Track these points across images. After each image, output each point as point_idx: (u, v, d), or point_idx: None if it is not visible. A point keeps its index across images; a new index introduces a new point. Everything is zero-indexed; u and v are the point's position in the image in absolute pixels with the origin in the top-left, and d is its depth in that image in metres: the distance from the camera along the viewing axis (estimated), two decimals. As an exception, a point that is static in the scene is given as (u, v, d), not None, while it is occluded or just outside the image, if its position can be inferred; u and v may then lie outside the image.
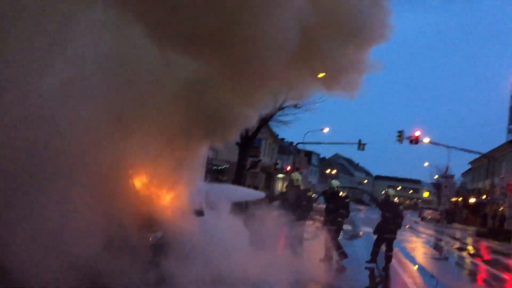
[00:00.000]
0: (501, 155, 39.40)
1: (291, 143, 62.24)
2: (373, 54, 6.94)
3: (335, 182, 12.01)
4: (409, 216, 50.38)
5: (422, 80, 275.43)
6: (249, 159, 20.17)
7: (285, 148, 63.25)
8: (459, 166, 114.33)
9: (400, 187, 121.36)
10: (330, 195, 11.84)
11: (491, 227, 33.77)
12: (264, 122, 20.77)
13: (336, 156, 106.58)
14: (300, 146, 56.56)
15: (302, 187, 11.51)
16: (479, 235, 32.24)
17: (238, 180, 18.83)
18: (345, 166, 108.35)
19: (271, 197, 11.65)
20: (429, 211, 50.55)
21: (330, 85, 6.89)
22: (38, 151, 5.59)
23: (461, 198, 50.11)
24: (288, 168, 44.45)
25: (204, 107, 6.56)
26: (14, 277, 5.32)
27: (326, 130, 46.33)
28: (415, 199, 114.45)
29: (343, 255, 11.53)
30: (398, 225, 12.12)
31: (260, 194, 11.61)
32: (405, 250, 18.10)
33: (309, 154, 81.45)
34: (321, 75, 6.63)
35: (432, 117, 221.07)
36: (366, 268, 11.77)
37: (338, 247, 11.59)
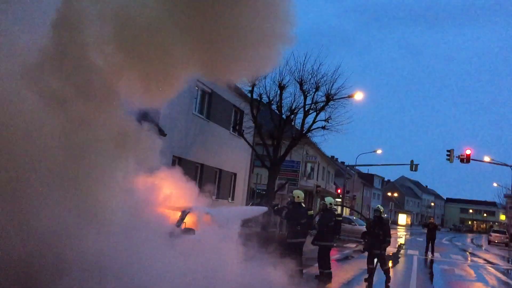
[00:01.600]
0: None
1: (352, 166, 61.07)
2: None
3: (328, 199, 12.21)
4: (472, 241, 47.80)
5: (483, 97, 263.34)
6: (276, 182, 20.37)
7: (342, 172, 62.24)
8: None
9: (472, 210, 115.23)
10: (324, 213, 12.02)
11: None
12: (293, 144, 21.00)
13: (402, 178, 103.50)
14: (360, 169, 55.57)
15: (303, 205, 11.61)
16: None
17: (267, 203, 19.08)
18: (412, 189, 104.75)
19: (275, 209, 11.88)
20: (496, 235, 47.58)
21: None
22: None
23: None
24: (338, 191, 43.88)
25: None
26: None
27: (378, 151, 45.52)
28: (490, 223, 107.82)
29: (325, 275, 11.63)
30: (388, 242, 12.22)
31: (263, 208, 11.97)
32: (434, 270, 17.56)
33: (369, 176, 79.99)
34: None
35: (498, 135, 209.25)
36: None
37: (325, 266, 11.71)
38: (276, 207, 11.74)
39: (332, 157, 69.05)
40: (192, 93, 21.20)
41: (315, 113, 21.10)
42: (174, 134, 19.40)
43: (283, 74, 20.41)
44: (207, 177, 22.96)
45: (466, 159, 32.10)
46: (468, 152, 32.35)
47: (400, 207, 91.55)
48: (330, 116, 20.99)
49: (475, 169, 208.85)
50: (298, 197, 11.24)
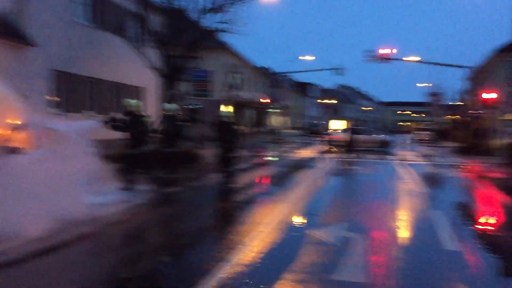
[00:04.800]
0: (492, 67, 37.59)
1: (278, 73, 59.19)
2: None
3: (167, 105, 12.39)
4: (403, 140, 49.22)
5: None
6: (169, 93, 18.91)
7: (278, 82, 61.31)
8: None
9: (409, 112, 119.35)
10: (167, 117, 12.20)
11: (473, 142, 32.22)
12: (189, 50, 19.38)
13: (339, 86, 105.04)
14: (298, 79, 54.50)
15: (139, 113, 11.32)
16: (459, 151, 30.92)
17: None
18: (347, 95, 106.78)
19: (107, 121, 10.96)
20: (421, 132, 49.24)
21: None
22: None
23: (458, 117, 48.28)
24: (264, 100, 43.38)
25: None
26: None
27: (308, 58, 44.61)
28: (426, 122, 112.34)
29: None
30: (236, 144, 12.45)
31: (94, 122, 10.87)
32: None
33: (306, 86, 79.96)
34: None
35: (426, 35, 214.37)
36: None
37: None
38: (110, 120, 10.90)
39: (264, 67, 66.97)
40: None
41: (213, 15, 19.45)
42: (53, 45, 17.33)
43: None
44: (103, 93, 21.22)
45: (384, 59, 31.77)
46: (385, 51, 31.99)
47: (336, 114, 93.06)
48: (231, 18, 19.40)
49: (413, 73, 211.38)
50: (130, 105, 11.20)
